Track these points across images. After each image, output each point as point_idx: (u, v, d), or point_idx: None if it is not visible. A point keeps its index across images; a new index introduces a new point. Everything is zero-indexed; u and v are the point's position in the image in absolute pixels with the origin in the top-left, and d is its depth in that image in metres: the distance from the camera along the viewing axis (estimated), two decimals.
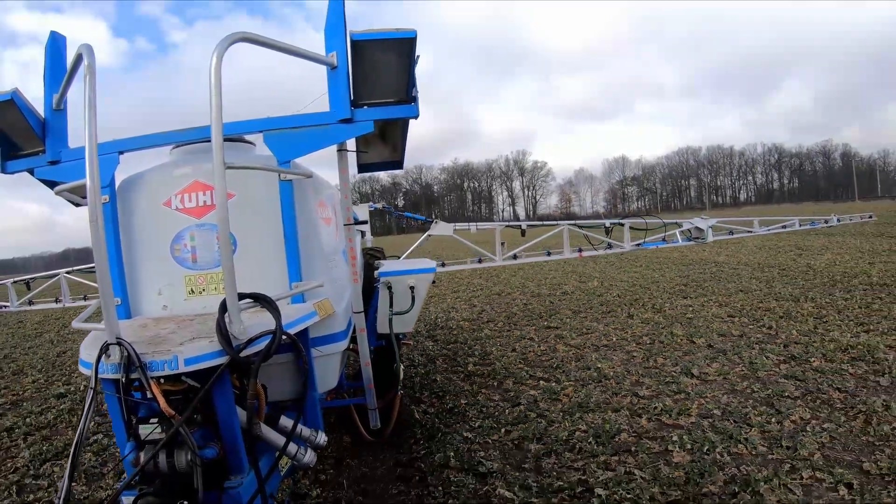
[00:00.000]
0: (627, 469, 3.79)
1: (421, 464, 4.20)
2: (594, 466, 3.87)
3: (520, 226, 9.40)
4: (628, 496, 3.43)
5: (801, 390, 4.99)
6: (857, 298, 8.88)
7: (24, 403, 6.97)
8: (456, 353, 7.81)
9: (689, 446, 4.04)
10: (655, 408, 4.84)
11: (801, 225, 11.30)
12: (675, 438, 4.17)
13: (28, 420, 6.14)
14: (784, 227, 11.22)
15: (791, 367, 5.68)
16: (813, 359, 5.86)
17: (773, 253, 16.73)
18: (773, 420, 4.39)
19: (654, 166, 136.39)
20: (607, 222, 9.49)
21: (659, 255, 17.98)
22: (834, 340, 6.48)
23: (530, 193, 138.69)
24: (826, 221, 11.56)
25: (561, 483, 3.68)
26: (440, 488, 3.79)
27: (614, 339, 7.64)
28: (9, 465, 4.91)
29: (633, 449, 4.10)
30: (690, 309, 9.25)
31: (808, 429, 4.19)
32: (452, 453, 4.26)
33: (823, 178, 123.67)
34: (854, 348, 6.10)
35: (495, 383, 6.10)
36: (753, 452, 3.89)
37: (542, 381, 5.96)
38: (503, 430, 4.67)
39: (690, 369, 5.85)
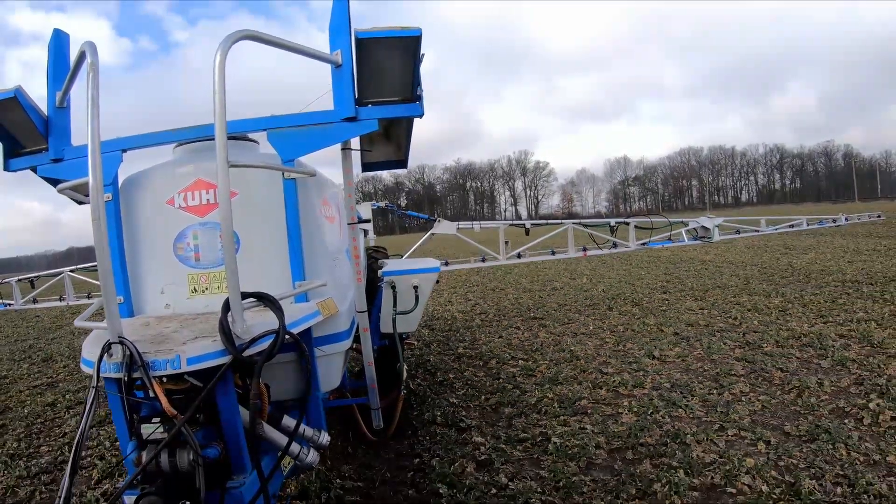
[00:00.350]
0: (581, 426, 4.57)
1: (413, 421, 4.97)
2: (555, 423, 4.66)
3: (524, 225, 9.36)
4: (578, 444, 4.21)
5: (747, 370, 5.66)
6: (826, 294, 9.47)
7: (60, 384, 7.74)
8: (449, 339, 8.68)
9: (636, 410, 4.80)
10: (615, 381, 5.60)
11: (808, 224, 11.24)
12: (625, 404, 4.96)
13: (67, 396, 6.91)
14: (792, 226, 11.16)
15: (744, 351, 6.33)
16: (766, 345, 6.51)
17: (760, 252, 17.12)
18: (714, 392, 5.10)
19: (655, 166, 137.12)
20: (612, 221, 9.46)
21: (649, 253, 18.15)
22: (790, 330, 7.12)
23: (532, 193, 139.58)
24: (834, 221, 11.50)
25: (526, 435, 4.49)
26: (427, 438, 4.64)
27: (592, 328, 8.37)
28: (56, 431, 5.69)
29: (588, 412, 4.89)
30: (666, 302, 9.93)
31: (743, 399, 4.87)
32: (439, 413, 5.12)
33: (825, 178, 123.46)
34: (806, 336, 6.73)
35: (481, 363, 6.93)
36: (690, 416, 4.60)
37: (521, 361, 6.79)
38: (483, 397, 5.55)
39: (653, 352, 6.57)
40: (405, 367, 4.51)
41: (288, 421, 2.65)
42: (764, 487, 3.38)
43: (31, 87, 3.15)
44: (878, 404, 4.43)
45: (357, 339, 3.92)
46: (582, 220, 9.72)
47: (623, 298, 10.71)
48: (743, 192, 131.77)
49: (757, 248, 18.20)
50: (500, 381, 6.01)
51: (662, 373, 5.79)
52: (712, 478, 3.56)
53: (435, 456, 4.25)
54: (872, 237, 19.16)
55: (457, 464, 4.06)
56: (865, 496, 3.20)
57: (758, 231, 10.73)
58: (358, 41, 2.95)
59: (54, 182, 3.20)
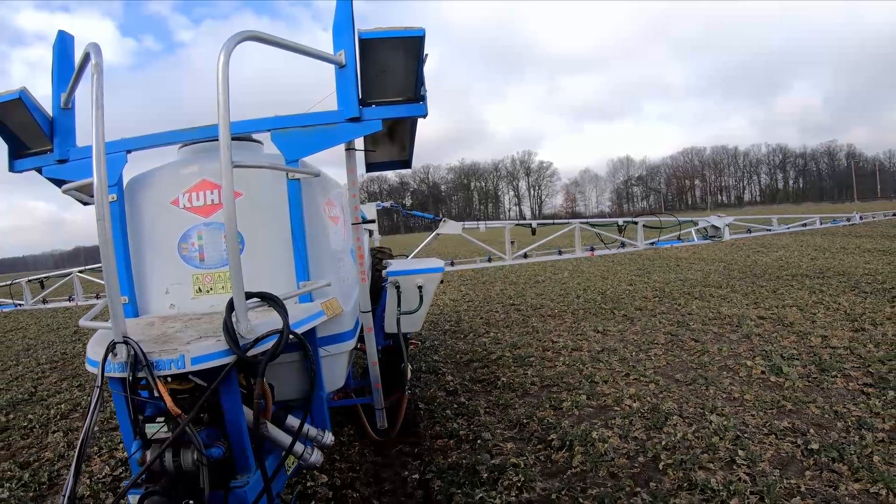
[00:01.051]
0: (524, 372, 6.29)
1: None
2: (505, 370, 6.42)
3: (530, 224, 9.32)
4: (518, 381, 5.93)
5: (667, 340, 7.09)
6: (771, 285, 10.61)
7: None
8: (438, 319, 10.33)
9: (567, 363, 6.42)
10: (559, 346, 7.26)
11: (822, 223, 11.13)
12: (561, 360, 6.59)
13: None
14: (804, 225, 11.05)
15: (673, 328, 7.70)
16: (693, 323, 7.87)
17: (735, 250, 17.82)
18: (634, 353, 6.61)
19: (658, 166, 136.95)
20: (620, 220, 9.39)
21: (633, 251, 18.33)
22: (719, 312, 8.42)
23: (536, 193, 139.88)
24: (848, 219, 11.38)
25: (484, 377, 6.27)
26: (414, 379, 6.22)
27: (556, 311, 9.99)
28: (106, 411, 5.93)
29: (534, 364, 6.56)
30: (627, 292, 11.32)
31: (653, 358, 6.34)
32: (423, 365, 7.01)
33: (829, 178, 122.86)
34: (731, 317, 7.97)
35: (461, 335, 8.75)
36: (608, 368, 6.10)
37: (492, 333, 8.58)
38: (458, 356, 7.38)
39: (598, 328, 8.14)
40: (409, 367, 4.50)
41: (292, 421, 2.65)
42: (636, 405, 4.86)
43: (36, 87, 3.17)
44: (756, 362, 5.71)
45: (361, 339, 3.92)
46: (589, 220, 9.66)
47: (592, 289, 12.10)
48: (746, 191, 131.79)
49: (733, 247, 18.71)
50: (474, 346, 7.83)
51: (600, 341, 7.33)
52: (605, 401, 5.06)
53: (417, 387, 5.98)
54: (851, 236, 19.66)
55: (432, 390, 5.93)
56: (713, 415, 4.46)
57: (769, 230, 10.63)
58: (361, 41, 2.94)
59: (59, 183, 3.21)
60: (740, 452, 3.80)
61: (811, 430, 4.06)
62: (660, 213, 11.20)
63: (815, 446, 3.79)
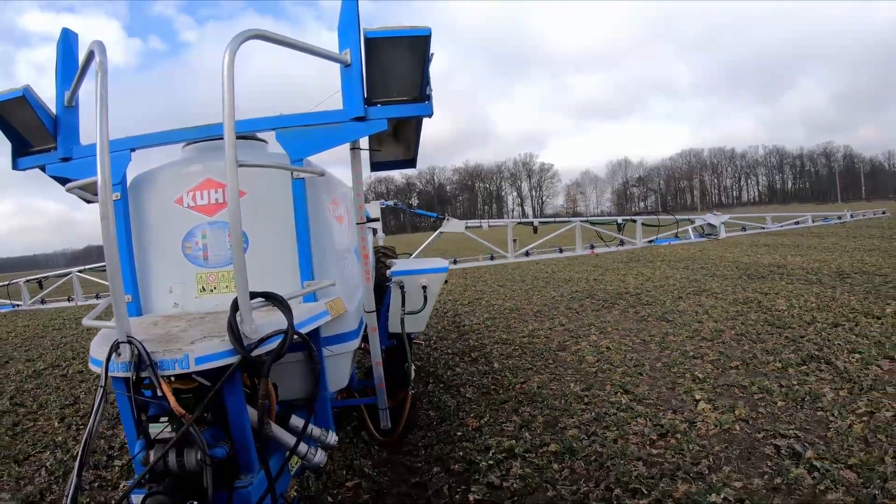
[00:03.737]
0: (510, 345, 7.63)
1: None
2: (494, 342, 7.91)
3: (532, 222, 9.30)
4: (509, 353, 7.20)
5: (625, 317, 8.86)
6: (720, 278, 12.03)
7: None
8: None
9: (545, 337, 7.94)
10: (537, 327, 8.73)
11: (813, 221, 11.17)
12: (540, 335, 8.09)
13: None
14: (797, 223, 11.08)
15: (626, 302, 10.06)
16: (649, 305, 9.64)
17: (708, 248, 18.69)
18: (599, 320, 8.68)
19: (657, 167, 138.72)
20: (619, 219, 9.40)
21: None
22: (672, 298, 10.12)
23: (538, 194, 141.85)
24: (839, 218, 11.43)
25: (474, 347, 7.69)
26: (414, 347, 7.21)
27: (535, 299, 11.79)
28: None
29: (515, 341, 7.86)
30: (597, 282, 13.22)
31: (617, 321, 8.52)
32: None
33: (826, 179, 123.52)
34: (683, 307, 9.29)
35: (450, 315, 10.66)
36: (583, 334, 7.91)
37: (476, 312, 10.61)
38: (449, 333, 8.97)
39: (560, 306, 10.49)
40: (413, 367, 4.49)
41: (296, 421, 2.64)
42: (590, 358, 6.46)
43: (42, 88, 3.17)
44: (669, 331, 7.49)
45: (365, 339, 3.91)
46: (589, 218, 9.66)
47: (568, 280, 13.98)
48: (743, 192, 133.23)
49: (719, 245, 19.05)
50: (462, 325, 9.61)
51: (563, 318, 9.20)
52: (574, 349, 6.97)
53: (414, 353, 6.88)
54: (833, 237, 19.94)
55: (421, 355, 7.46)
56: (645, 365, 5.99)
57: (763, 228, 10.68)
58: (367, 41, 2.93)
59: (63, 181, 3.20)
60: None
61: None
62: (658, 212, 11.27)
63: None
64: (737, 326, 7.33)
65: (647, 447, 4.01)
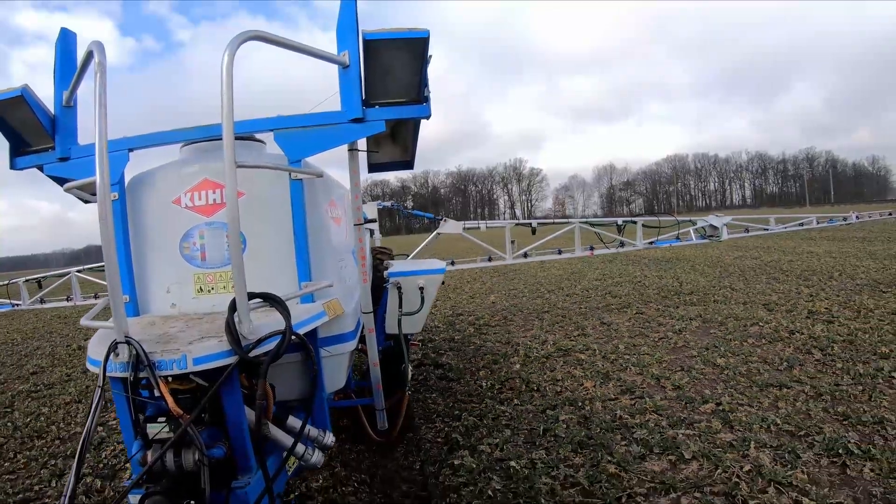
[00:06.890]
0: (501, 329, 8.71)
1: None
2: (488, 328, 8.93)
3: (530, 224, 9.32)
4: (500, 335, 8.29)
5: (609, 303, 10.09)
6: (693, 273, 13.15)
7: None
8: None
9: (534, 327, 8.71)
10: (522, 317, 9.64)
11: (818, 223, 11.16)
12: (528, 332, 8.41)
13: None
14: (801, 224, 11.07)
15: (611, 291, 11.38)
16: (627, 297, 10.57)
17: (691, 248, 19.08)
18: (578, 304, 10.13)
19: (644, 172, 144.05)
20: (619, 220, 9.41)
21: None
22: (652, 290, 11.11)
23: (527, 198, 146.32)
24: (845, 219, 11.42)
25: (470, 334, 8.53)
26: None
27: (522, 286, 13.57)
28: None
29: (506, 327, 8.84)
30: (577, 276, 14.53)
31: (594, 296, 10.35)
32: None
33: (809, 184, 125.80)
34: (658, 294, 10.46)
35: (444, 299, 12.37)
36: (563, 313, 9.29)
37: (471, 301, 12.06)
38: (444, 317, 10.17)
39: (544, 296, 11.72)
40: (410, 368, 4.49)
41: (293, 421, 2.65)
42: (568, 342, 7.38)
43: (35, 87, 3.15)
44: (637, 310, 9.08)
45: (362, 340, 3.91)
46: (589, 220, 9.68)
47: (545, 275, 15.48)
48: (728, 197, 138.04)
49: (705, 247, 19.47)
50: (458, 312, 10.77)
51: (550, 303, 10.53)
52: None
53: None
54: (826, 240, 20.03)
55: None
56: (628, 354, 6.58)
57: (767, 229, 10.66)
58: (366, 42, 2.93)
59: (61, 181, 3.19)
60: None
61: None
62: (659, 214, 11.39)
63: None
64: None
65: None
